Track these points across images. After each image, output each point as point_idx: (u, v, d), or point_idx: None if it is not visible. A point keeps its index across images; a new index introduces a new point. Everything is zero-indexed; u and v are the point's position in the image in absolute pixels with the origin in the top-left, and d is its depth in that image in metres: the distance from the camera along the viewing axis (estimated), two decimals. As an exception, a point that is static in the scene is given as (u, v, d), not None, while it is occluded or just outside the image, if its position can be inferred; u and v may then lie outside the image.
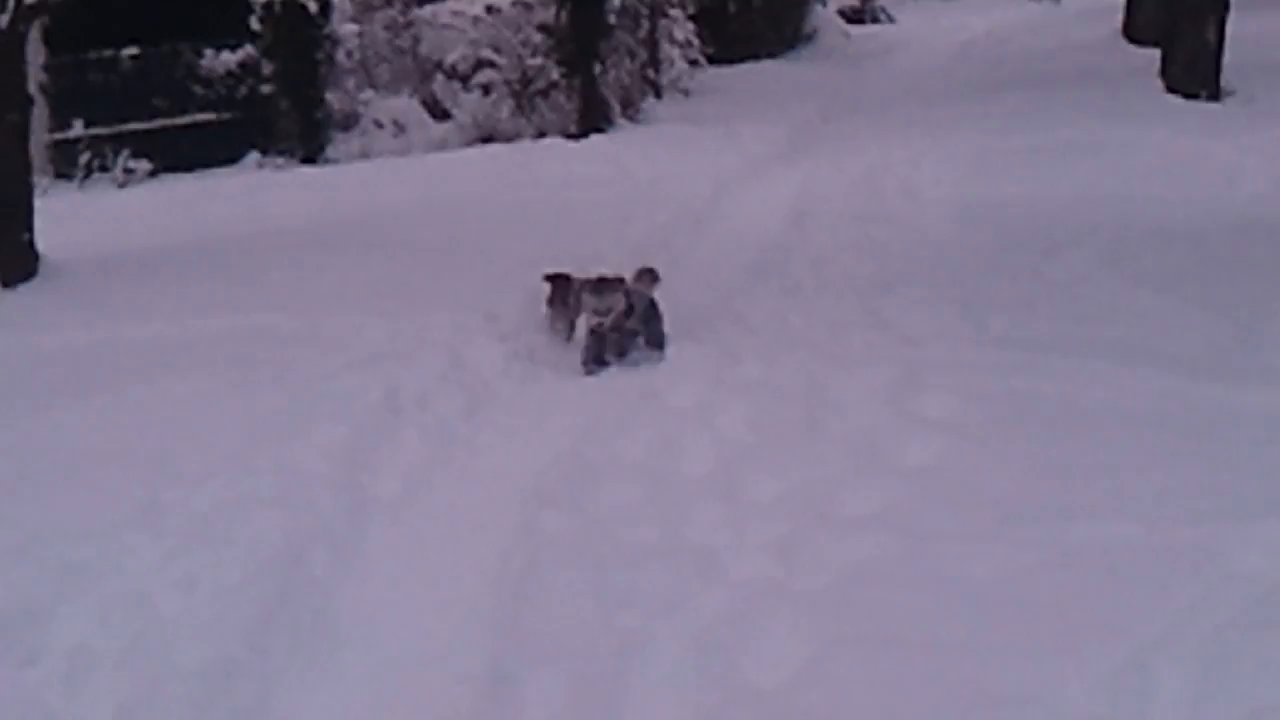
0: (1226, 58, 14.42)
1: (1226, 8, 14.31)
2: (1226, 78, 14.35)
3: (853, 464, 5.34)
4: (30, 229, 10.08)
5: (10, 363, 7.64)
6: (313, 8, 16.45)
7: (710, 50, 20.53)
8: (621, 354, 6.98)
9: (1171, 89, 14.43)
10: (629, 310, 6.79)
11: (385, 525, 5.29)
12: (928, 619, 3.98)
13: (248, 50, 17.33)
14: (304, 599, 4.51)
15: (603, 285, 6.77)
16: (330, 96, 17.33)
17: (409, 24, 17.98)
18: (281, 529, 4.89)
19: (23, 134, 10.38)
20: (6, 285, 9.88)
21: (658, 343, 6.99)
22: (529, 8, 17.34)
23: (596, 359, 6.83)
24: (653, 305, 7.03)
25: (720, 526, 4.88)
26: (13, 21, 9.88)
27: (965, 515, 4.74)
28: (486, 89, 17.39)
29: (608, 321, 6.67)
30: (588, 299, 6.76)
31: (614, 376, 6.92)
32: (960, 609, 4.01)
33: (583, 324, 7.10)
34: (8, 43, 9.98)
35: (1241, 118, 12.93)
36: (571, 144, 15.83)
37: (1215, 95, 14.09)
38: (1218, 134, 12.03)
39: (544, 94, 17.09)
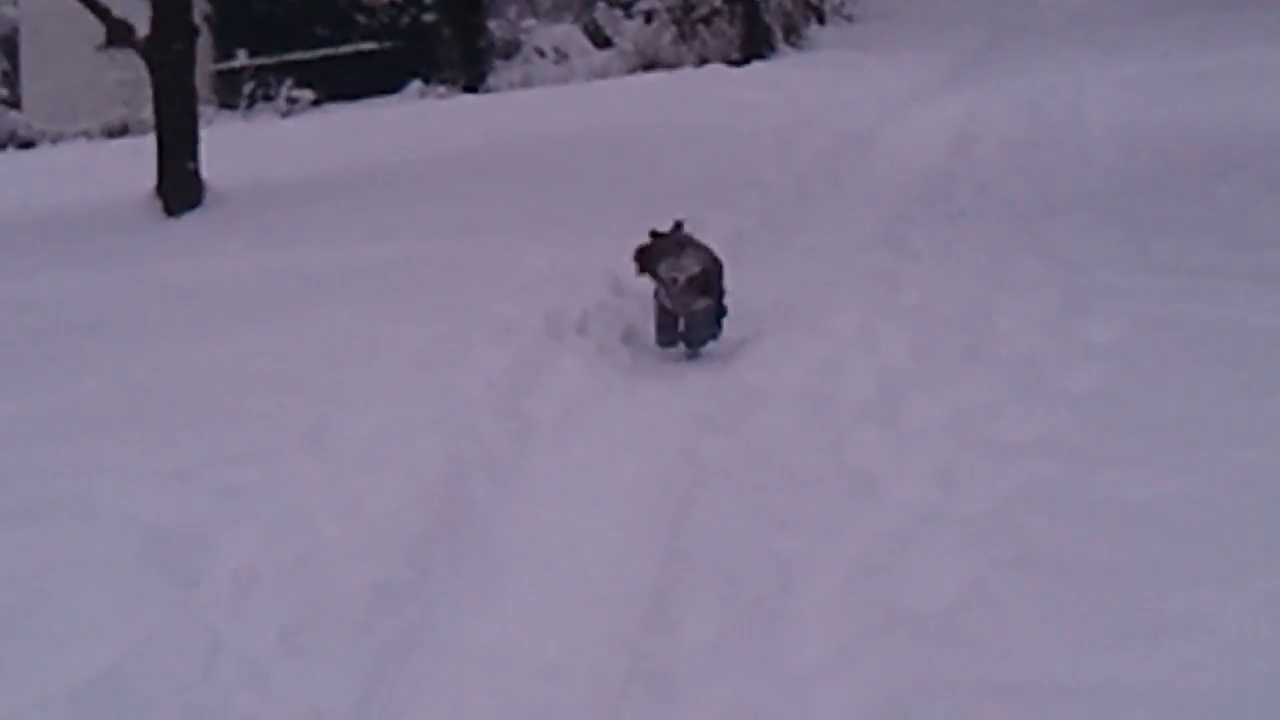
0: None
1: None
2: None
3: (1015, 389, 5.28)
4: (195, 158, 10.56)
5: (176, 289, 8.00)
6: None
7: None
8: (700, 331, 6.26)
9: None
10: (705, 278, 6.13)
11: (546, 450, 5.36)
12: (1088, 543, 3.90)
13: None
14: (465, 523, 4.58)
15: (682, 245, 6.24)
16: (492, 24, 18.00)
17: (571, -50, 18.63)
18: (444, 454, 4.95)
19: (188, 64, 10.86)
20: (172, 213, 10.32)
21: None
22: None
23: (669, 338, 6.21)
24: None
25: (880, 452, 4.83)
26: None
27: (1128, 441, 4.65)
28: (649, 16, 18.16)
29: (683, 278, 5.99)
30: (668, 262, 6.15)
31: (773, 300, 6.93)
32: (1121, 534, 3.93)
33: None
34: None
35: None
36: (734, 70, 16.22)
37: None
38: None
39: (706, 21, 17.69)
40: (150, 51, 10.77)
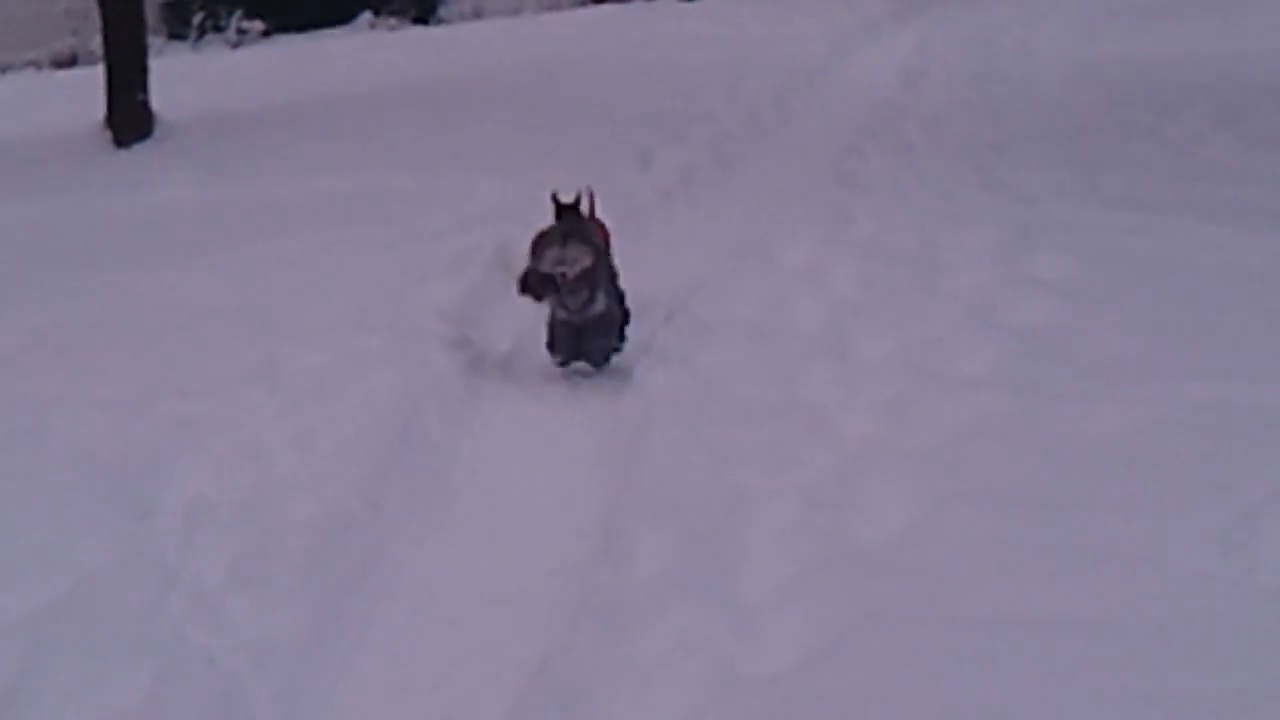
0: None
1: None
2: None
3: (964, 323, 5.42)
4: (145, 89, 10.67)
5: (126, 221, 8.11)
6: None
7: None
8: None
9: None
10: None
11: (498, 382, 5.44)
12: (1037, 477, 3.99)
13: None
14: (418, 455, 4.65)
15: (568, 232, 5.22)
16: None
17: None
18: (396, 386, 5.01)
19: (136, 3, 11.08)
20: (121, 144, 10.45)
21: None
22: None
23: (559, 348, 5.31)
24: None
25: (831, 384, 4.90)
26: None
27: (1076, 375, 4.78)
28: None
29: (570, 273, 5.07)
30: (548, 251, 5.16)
31: (723, 234, 7.08)
32: (1069, 467, 4.02)
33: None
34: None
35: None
36: (685, 4, 16.44)
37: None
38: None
39: None
40: (93, -18, 10.73)
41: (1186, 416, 4.28)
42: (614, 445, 4.67)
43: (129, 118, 10.48)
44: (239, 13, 17.67)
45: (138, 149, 10.31)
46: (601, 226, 5.67)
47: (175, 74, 12.74)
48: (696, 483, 4.24)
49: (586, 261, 5.03)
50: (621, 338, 5.36)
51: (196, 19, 17.68)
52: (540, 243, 5.07)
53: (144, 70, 10.76)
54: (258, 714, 3.26)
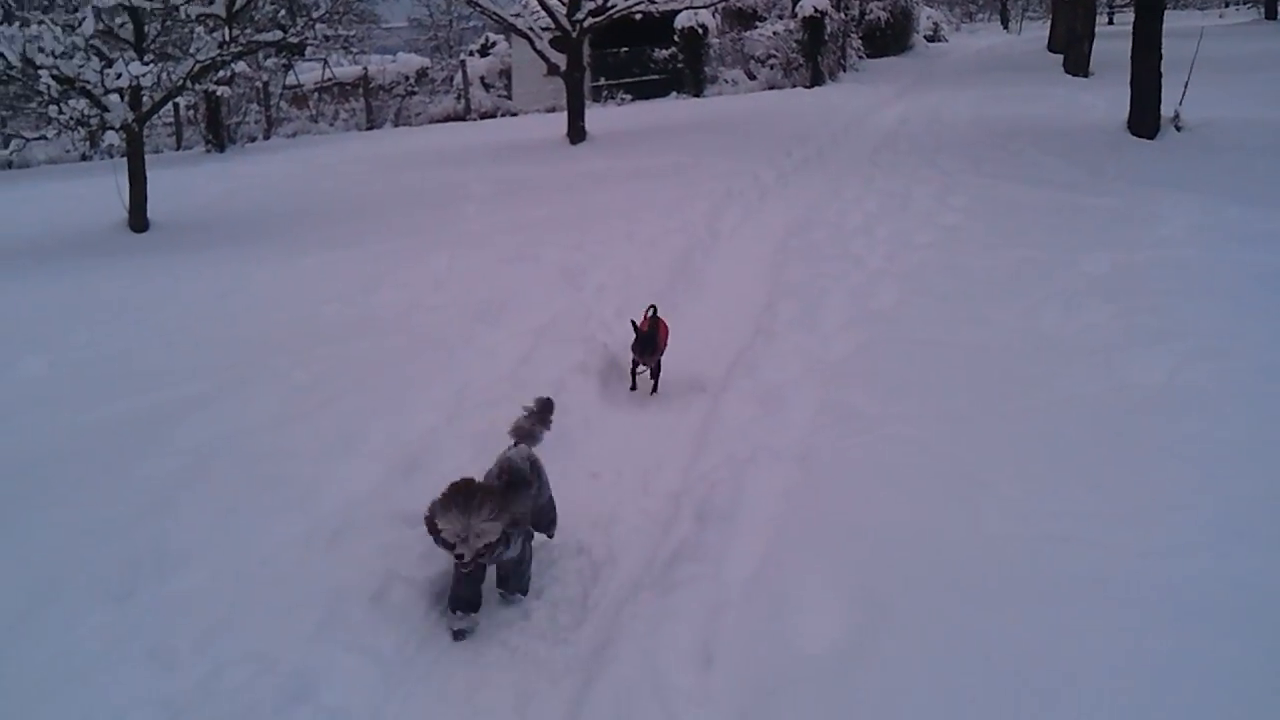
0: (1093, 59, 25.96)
1: (1093, 36, 27.31)
2: (1092, 66, 25.83)
3: (920, 223, 10.47)
4: (583, 120, 20.18)
5: (576, 176, 15.93)
6: (700, 30, 31.19)
7: (867, 51, 39.12)
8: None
9: (1069, 72, 26.63)
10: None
11: (724, 242, 10.69)
12: (960, 285, 8.42)
13: (673, 50, 32.33)
14: (690, 271, 9.72)
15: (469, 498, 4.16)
16: (707, 69, 32.41)
17: (739, 38, 33.72)
18: (682, 242, 10.28)
19: (581, 82, 20.92)
20: (574, 144, 20.24)
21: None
22: (791, 31, 33.00)
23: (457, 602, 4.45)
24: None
25: (863, 246, 9.91)
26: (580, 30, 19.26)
27: (971, 245, 9.51)
28: (773, 65, 32.42)
29: (468, 554, 4.13)
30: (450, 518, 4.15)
31: (818, 185, 13.35)
32: (974, 280, 8.48)
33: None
34: (579, 40, 19.82)
35: (1097, 85, 21.99)
36: (806, 91, 29.75)
37: (1086, 75, 25.55)
38: (1086, 89, 21.77)
39: (798, 68, 31.75)
40: (566, 76, 19.85)
41: (1009, 265, 8.74)
42: (771, 268, 9.62)
43: (576, 131, 20.29)
44: (620, 92, 32.22)
45: (582, 146, 19.73)
46: (666, 327, 7.27)
47: (593, 117, 22.68)
48: (805, 283, 8.96)
49: (491, 537, 4.12)
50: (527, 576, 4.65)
51: (603, 94, 32.16)
52: (449, 499, 4.11)
53: (582, 115, 20.59)
54: (626, 360, 7.44)
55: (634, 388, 7.28)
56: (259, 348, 7.89)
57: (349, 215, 14.15)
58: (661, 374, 7.27)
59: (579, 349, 7.56)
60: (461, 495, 4.10)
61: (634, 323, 7.06)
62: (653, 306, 7.24)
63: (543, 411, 5.17)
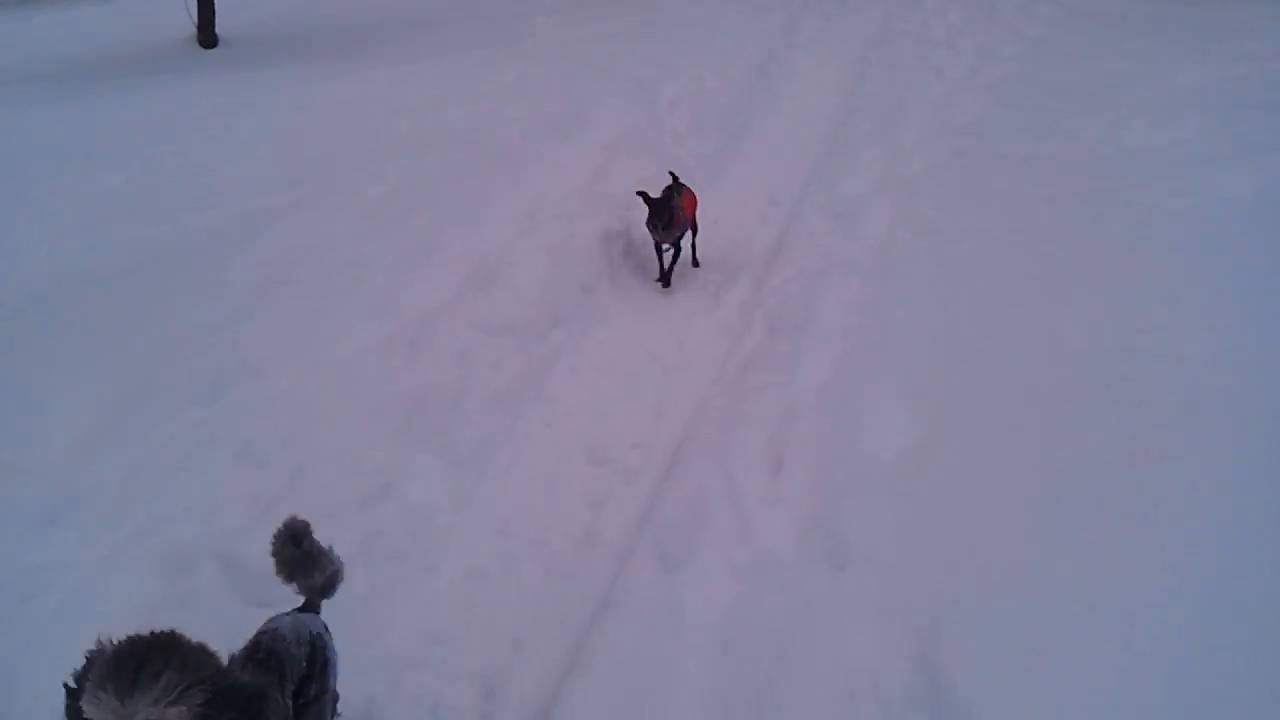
0: None
1: None
2: None
3: (1004, 33, 10.76)
4: None
5: (655, 20, 13.90)
6: None
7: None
8: None
9: None
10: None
11: (800, 54, 10.47)
12: (1044, 98, 8.38)
13: None
14: (765, 84, 9.58)
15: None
16: None
17: None
18: (757, 55, 10.14)
19: None
20: None
21: None
22: None
23: None
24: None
25: (945, 59, 9.83)
26: None
27: (1057, 56, 9.42)
28: None
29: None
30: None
31: (887, 1, 12.14)
32: (1059, 93, 8.41)
33: None
34: None
35: None
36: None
37: None
38: None
39: None
40: None
41: (1096, 77, 8.70)
42: (849, 81, 9.50)
43: None
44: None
45: None
46: (691, 194, 6.31)
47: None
48: (883, 96, 8.88)
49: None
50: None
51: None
52: (109, 666, 2.36)
53: None
54: (700, 173, 8.03)
55: (662, 280, 6.00)
56: (333, 162, 7.94)
57: (420, 28, 13.99)
58: (700, 237, 6.34)
59: (651, 163, 7.52)
60: (128, 659, 2.34)
61: (643, 194, 5.96)
62: (672, 174, 6.30)
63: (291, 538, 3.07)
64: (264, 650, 2.92)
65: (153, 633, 2.38)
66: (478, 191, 6.97)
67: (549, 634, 3.48)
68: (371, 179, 7.37)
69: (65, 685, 2.40)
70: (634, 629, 3.37)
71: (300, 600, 3.02)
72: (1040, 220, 5.82)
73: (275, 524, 2.89)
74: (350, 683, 3.02)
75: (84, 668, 2.39)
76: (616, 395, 4.84)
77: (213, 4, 14.83)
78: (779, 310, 5.32)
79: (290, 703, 2.97)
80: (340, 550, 3.05)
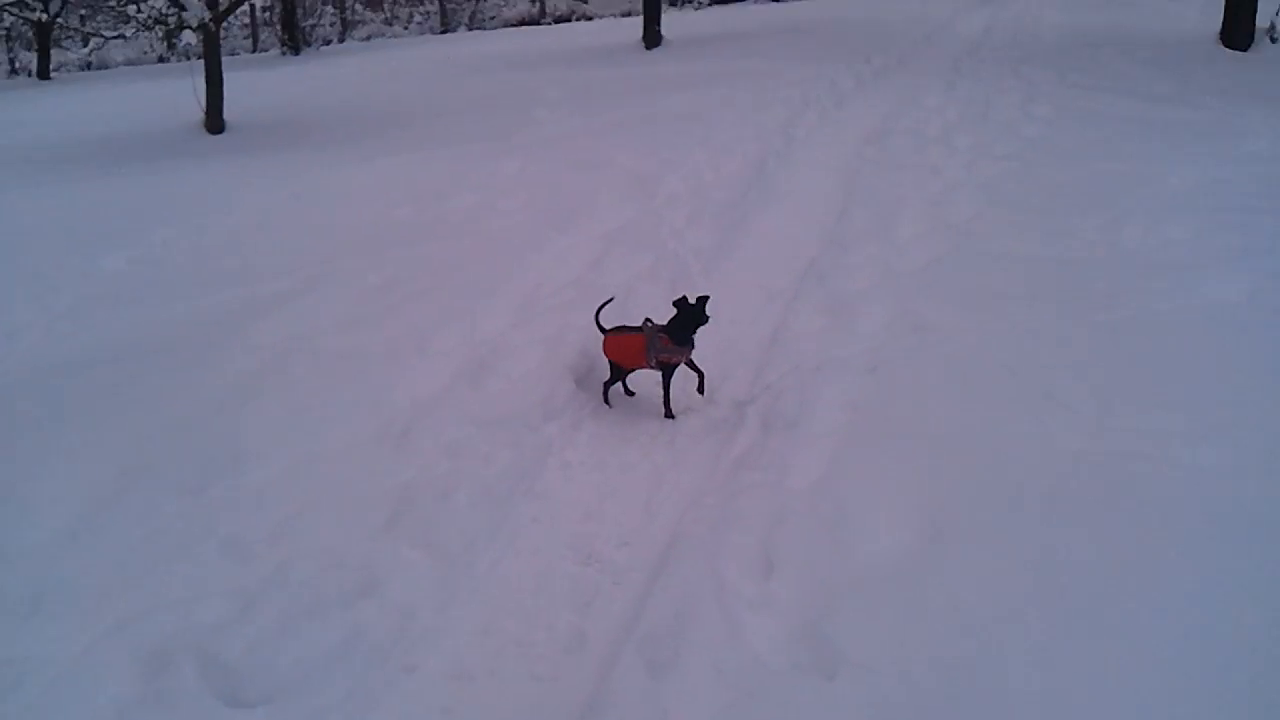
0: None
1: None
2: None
3: (1001, 133, 10.24)
4: (658, 24, 17.33)
5: (648, 80, 15.09)
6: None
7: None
8: None
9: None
10: None
11: (799, 149, 10.44)
12: (1040, 198, 8.28)
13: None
14: (763, 179, 9.57)
15: None
16: None
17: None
18: (756, 149, 10.18)
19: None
20: (648, 49, 17.22)
21: None
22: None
23: None
24: None
25: (942, 157, 9.64)
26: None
27: (1053, 157, 9.34)
28: None
29: None
30: None
31: (899, 90, 12.72)
32: (1054, 193, 8.33)
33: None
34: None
35: None
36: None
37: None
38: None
39: None
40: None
41: (1091, 178, 8.61)
42: (847, 175, 9.44)
43: (651, 36, 19.34)
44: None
45: (657, 51, 19.37)
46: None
47: (669, 21, 22.63)
48: (881, 190, 8.85)
49: None
50: None
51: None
52: None
53: (658, 17, 20.18)
54: (696, 267, 7.99)
55: (667, 412, 5.33)
56: (333, 249, 7.98)
57: (422, 118, 14.16)
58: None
59: (649, 255, 7.54)
60: None
61: (682, 300, 5.17)
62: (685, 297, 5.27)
63: None
64: None
65: None
66: (474, 282, 6.99)
67: (531, 740, 3.40)
68: (370, 267, 7.40)
69: None
70: (618, 737, 3.29)
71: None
72: (1034, 320, 5.81)
73: (256, 620, 2.82)
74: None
75: None
76: (606, 491, 4.79)
77: (221, 90, 15.02)
78: (772, 407, 5.27)
79: None
80: (320, 650, 2.98)
